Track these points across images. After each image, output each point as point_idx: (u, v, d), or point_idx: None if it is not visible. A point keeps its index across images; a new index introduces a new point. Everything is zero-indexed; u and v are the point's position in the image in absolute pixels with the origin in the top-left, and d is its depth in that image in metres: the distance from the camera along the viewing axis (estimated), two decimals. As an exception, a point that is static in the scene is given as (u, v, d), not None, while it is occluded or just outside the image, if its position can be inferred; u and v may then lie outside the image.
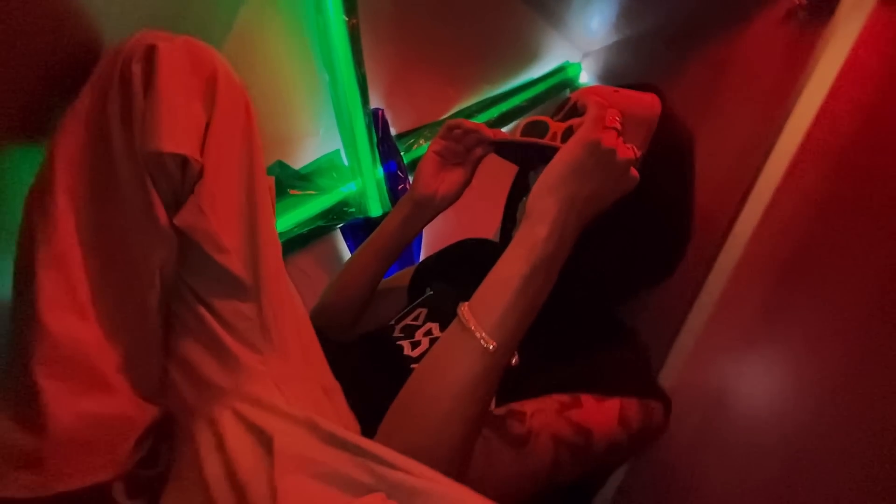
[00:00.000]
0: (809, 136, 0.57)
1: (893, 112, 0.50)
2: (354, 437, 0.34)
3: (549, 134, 0.51)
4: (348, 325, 0.67)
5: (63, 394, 0.37)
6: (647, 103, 0.53)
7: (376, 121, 1.00)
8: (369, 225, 0.99)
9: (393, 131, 1.04)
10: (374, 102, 1.01)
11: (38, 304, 0.36)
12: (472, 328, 0.38)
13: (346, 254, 1.05)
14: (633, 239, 0.51)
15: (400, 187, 1.00)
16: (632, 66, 1.06)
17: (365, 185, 0.97)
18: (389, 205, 0.99)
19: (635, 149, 0.48)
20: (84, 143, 0.39)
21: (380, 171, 0.98)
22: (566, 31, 1.18)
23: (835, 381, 0.45)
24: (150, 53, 0.40)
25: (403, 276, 0.72)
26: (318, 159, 0.99)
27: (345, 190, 0.98)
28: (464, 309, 0.40)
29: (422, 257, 1.05)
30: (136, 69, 0.40)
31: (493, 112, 1.10)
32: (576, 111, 0.52)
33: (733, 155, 0.67)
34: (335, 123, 0.99)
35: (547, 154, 0.50)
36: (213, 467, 0.37)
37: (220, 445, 0.38)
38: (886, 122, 0.50)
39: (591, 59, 1.19)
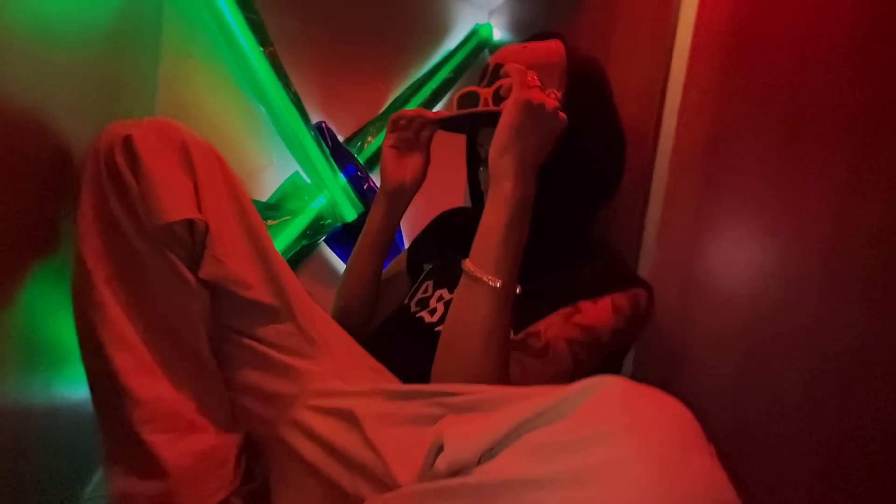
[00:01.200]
0: (696, 39, 0.66)
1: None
2: (416, 385, 0.42)
3: (482, 100, 0.59)
4: (365, 322, 0.74)
5: (168, 442, 0.44)
6: (553, 50, 0.60)
7: (322, 134, 1.05)
8: (349, 230, 1.06)
9: (340, 138, 1.10)
10: (315, 117, 1.06)
11: (121, 378, 0.43)
12: (479, 275, 0.46)
13: (337, 263, 1.11)
14: (579, 164, 0.59)
15: (365, 186, 1.07)
16: (535, 13, 1.12)
17: (333, 195, 1.03)
18: (361, 205, 1.05)
19: (555, 92, 0.56)
20: (102, 238, 0.45)
21: (342, 178, 1.04)
22: (467, -4, 1.23)
23: (760, 229, 0.55)
24: (127, 143, 0.45)
25: (399, 263, 0.79)
26: (281, 186, 1.05)
27: (315, 206, 1.04)
28: (467, 263, 0.48)
29: (405, 241, 1.13)
30: (120, 160, 0.45)
31: (425, 91, 1.16)
32: (497, 74, 0.60)
33: (640, 68, 0.75)
34: (285, 148, 1.04)
35: (485, 117, 0.58)
36: (312, 453, 0.44)
37: (311, 435, 0.45)
38: (758, 7, 0.60)
39: (497, 14, 1.25)
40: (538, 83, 0.50)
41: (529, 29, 1.11)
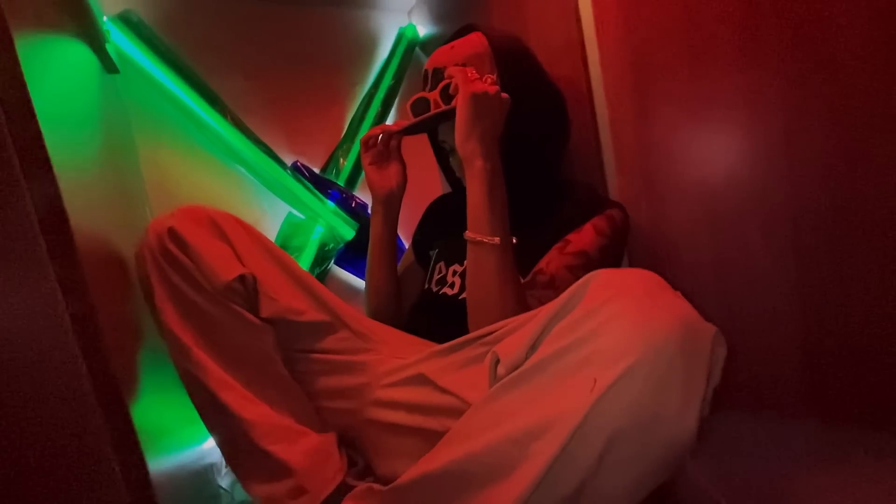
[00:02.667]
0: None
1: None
2: (462, 338, 0.53)
3: (432, 103, 0.69)
4: (397, 314, 0.84)
5: (285, 448, 0.55)
6: (477, 42, 0.70)
7: (300, 171, 1.15)
8: (351, 246, 1.16)
9: (316, 170, 1.20)
10: (288, 160, 1.16)
11: (233, 410, 0.54)
12: (480, 239, 0.57)
13: (351, 279, 1.22)
14: (532, 126, 0.69)
15: (353, 205, 1.17)
16: (449, 3, 1.21)
17: (328, 222, 1.14)
18: (355, 222, 1.15)
19: (491, 76, 0.67)
20: (179, 312, 0.55)
21: (330, 205, 1.14)
22: (381, 4, 1.31)
23: (692, 129, 0.67)
24: (172, 233, 0.56)
25: (408, 257, 0.90)
26: (280, 229, 1.15)
27: (316, 237, 1.14)
28: (468, 234, 0.59)
29: (403, 241, 1.24)
30: (172, 248, 0.56)
31: (376, 104, 1.25)
32: (438, 77, 0.70)
33: (556, 27, 0.85)
34: (273, 195, 1.14)
35: (440, 116, 0.68)
36: (400, 417, 0.56)
37: (395, 405, 0.57)
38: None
39: (416, 12, 1.34)
40: (477, 75, 0.61)
41: (448, 17, 1.22)
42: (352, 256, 1.18)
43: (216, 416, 0.56)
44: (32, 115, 0.41)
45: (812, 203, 0.56)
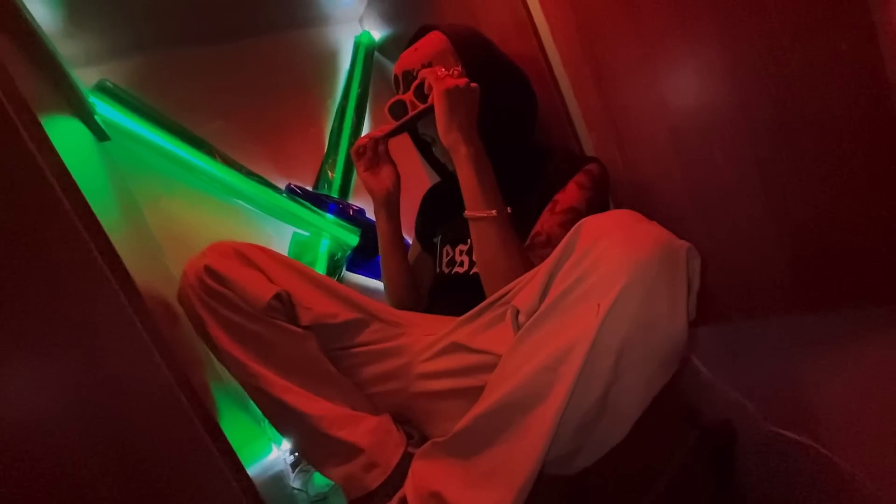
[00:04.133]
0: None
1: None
2: (482, 304, 0.60)
3: (409, 104, 0.75)
4: (416, 300, 0.91)
5: (350, 432, 0.62)
6: (437, 40, 0.76)
7: (294, 192, 1.21)
8: (358, 251, 1.23)
9: (309, 187, 1.25)
10: (281, 184, 1.21)
11: (299, 409, 0.61)
12: (479, 214, 0.64)
13: (365, 281, 1.28)
14: (502, 105, 0.74)
15: (350, 212, 1.23)
16: (397, 3, 1.25)
17: (331, 234, 1.20)
18: (356, 228, 1.21)
19: (457, 69, 0.73)
20: (231, 337, 0.61)
21: (330, 217, 1.20)
22: (331, 18, 1.35)
23: (652, 72, 0.72)
24: (208, 269, 0.62)
25: (414, 249, 0.96)
26: (289, 250, 1.21)
27: (323, 250, 1.20)
28: (467, 213, 0.65)
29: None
30: (211, 282, 0.62)
31: (350, 114, 1.30)
32: (410, 79, 0.76)
33: (503, 9, 0.90)
34: (274, 220, 1.20)
35: (419, 115, 0.74)
36: (444, 384, 0.63)
37: (437, 374, 0.64)
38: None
39: (367, 18, 1.38)
40: (446, 72, 0.67)
41: (398, 17, 1.26)
42: (361, 260, 1.25)
43: (285, 418, 0.63)
44: (73, 182, 0.47)
45: (761, 118, 0.61)
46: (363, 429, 0.63)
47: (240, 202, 1.17)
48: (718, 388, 0.83)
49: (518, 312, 0.50)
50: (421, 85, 0.73)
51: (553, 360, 0.45)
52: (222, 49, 1.21)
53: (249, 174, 1.15)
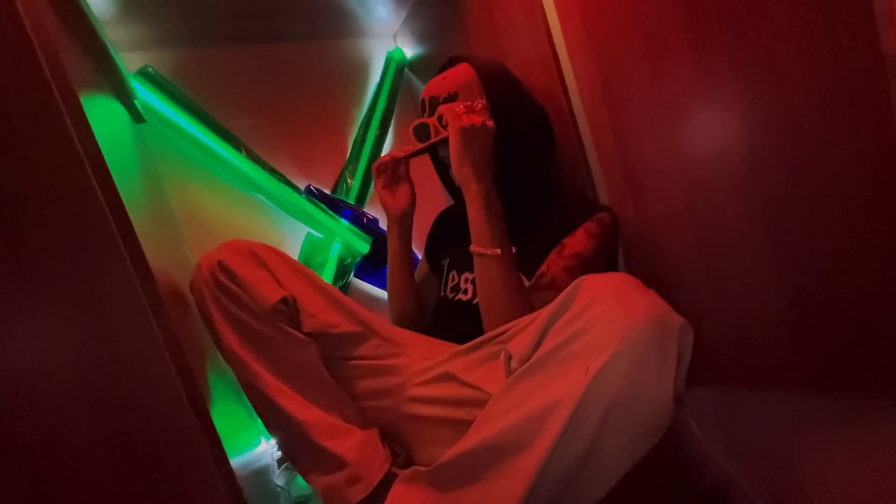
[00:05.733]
0: (560, 13, 0.82)
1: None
2: (479, 339, 0.59)
3: (432, 128, 0.75)
4: (419, 319, 0.90)
5: (338, 443, 0.61)
6: (465, 71, 0.76)
7: (313, 195, 1.21)
8: (368, 259, 1.22)
9: (327, 191, 1.25)
10: (301, 184, 1.21)
11: (292, 414, 0.60)
12: (484, 251, 0.63)
13: (371, 289, 1.28)
14: (521, 142, 0.75)
15: (364, 220, 1.23)
16: (429, 24, 1.26)
17: (344, 239, 1.19)
18: (368, 237, 1.21)
19: (481, 101, 0.73)
20: (236, 334, 0.61)
21: (344, 222, 1.20)
22: (369, 32, 1.37)
23: (669, 124, 0.72)
24: (222, 266, 0.62)
25: (422, 267, 0.96)
26: (301, 249, 1.20)
27: (334, 253, 1.20)
28: (473, 247, 0.65)
29: (416, 251, 1.30)
30: (223, 279, 0.61)
31: (374, 126, 1.31)
32: (435, 104, 0.76)
33: (529, 46, 0.90)
34: (291, 218, 1.20)
35: (438, 143, 0.74)
36: (433, 410, 0.62)
37: (428, 400, 0.63)
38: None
39: (401, 36, 1.40)
40: (464, 110, 0.67)
41: (431, 37, 1.27)
42: (369, 268, 1.24)
43: (277, 420, 0.62)
44: (103, 163, 0.47)
45: (774, 183, 0.60)
46: (351, 442, 0.63)
47: (260, 197, 1.17)
48: (711, 452, 0.81)
49: (510, 357, 0.50)
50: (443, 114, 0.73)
51: (540, 411, 0.45)
52: (261, 50, 1.23)
53: (272, 171, 1.15)
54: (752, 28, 0.58)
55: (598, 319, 0.43)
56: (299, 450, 0.62)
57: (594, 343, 0.43)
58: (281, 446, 0.64)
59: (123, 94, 0.85)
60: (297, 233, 1.21)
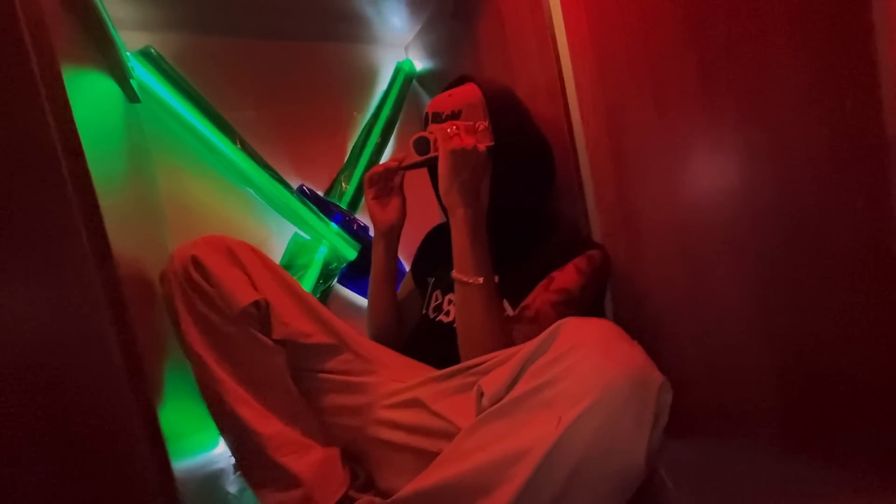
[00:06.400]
0: (571, 44, 0.81)
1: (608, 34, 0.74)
2: (454, 367, 0.56)
3: (432, 143, 0.73)
4: (397, 335, 0.87)
5: (295, 460, 0.57)
6: (471, 92, 0.74)
7: (305, 195, 1.17)
8: (354, 266, 1.19)
9: (320, 193, 1.22)
10: (294, 183, 1.18)
11: (250, 425, 0.56)
12: (465, 279, 0.61)
13: (353, 297, 1.24)
14: (520, 169, 0.73)
15: (355, 227, 1.20)
16: (441, 40, 1.25)
17: (331, 243, 1.16)
18: (357, 244, 1.18)
19: (483, 123, 0.71)
20: (202, 333, 0.58)
21: (333, 227, 1.17)
22: (381, 40, 1.36)
23: (667, 171, 0.70)
24: (195, 261, 0.58)
25: (407, 282, 0.93)
26: (287, 249, 1.17)
27: (320, 256, 1.16)
28: (455, 273, 0.62)
29: (404, 263, 1.27)
30: (195, 275, 0.58)
31: (376, 133, 1.29)
32: (437, 120, 0.74)
33: (538, 73, 0.89)
34: (280, 217, 1.16)
35: (434, 159, 0.72)
36: (399, 437, 0.58)
37: (394, 425, 0.59)
38: (608, 21, 0.74)
39: (413, 48, 1.39)
40: (457, 130, 0.64)
41: (442, 53, 1.26)
42: (354, 275, 1.21)
43: (232, 428, 0.58)
44: (77, 139, 0.43)
45: (771, 246, 0.58)
46: (308, 460, 0.59)
47: (250, 191, 1.14)
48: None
49: (482, 394, 0.47)
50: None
51: (506, 458, 0.42)
52: (270, 45, 1.20)
53: (265, 166, 1.12)
54: (759, 80, 0.57)
55: (576, 367, 0.40)
56: (252, 462, 0.58)
57: (570, 392, 0.40)
58: (234, 455, 0.60)
59: (119, 73, 0.82)
60: (284, 231, 1.17)
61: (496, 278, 0.63)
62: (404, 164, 0.77)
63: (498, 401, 0.45)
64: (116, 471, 0.46)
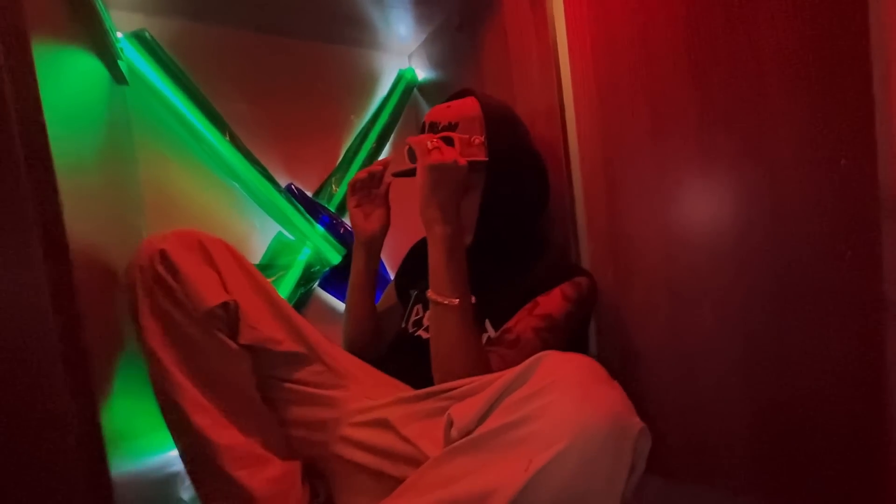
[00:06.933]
0: (573, 68, 0.80)
1: (616, 50, 0.73)
2: (427, 389, 0.53)
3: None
4: (373, 346, 0.84)
5: (250, 475, 0.53)
6: (470, 105, 0.72)
7: (293, 194, 1.14)
8: (337, 271, 1.15)
9: (309, 193, 1.19)
10: (283, 181, 1.15)
11: (205, 434, 0.52)
12: (441, 300, 0.58)
13: (334, 302, 1.20)
14: (512, 189, 0.71)
15: (341, 231, 1.16)
16: (446, 52, 1.24)
17: (316, 245, 1.12)
18: (342, 248, 1.14)
19: (479, 137, 0.69)
20: (163, 332, 0.54)
21: (319, 229, 1.13)
22: (385, 46, 1.34)
23: (659, 206, 0.69)
24: (163, 255, 0.55)
25: (389, 293, 0.90)
26: (269, 247, 1.13)
27: (303, 258, 1.13)
28: (430, 294, 0.59)
29: (389, 271, 1.24)
30: (161, 270, 0.54)
31: (371, 138, 1.26)
32: (434, 130, 0.72)
33: (538, 92, 0.87)
34: (264, 214, 1.12)
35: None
36: (363, 457, 0.55)
37: (359, 445, 0.56)
38: (614, 35, 0.74)
39: (416, 57, 1.37)
40: (437, 143, 0.60)
41: (445, 65, 1.25)
42: (336, 280, 1.17)
43: (186, 436, 0.54)
44: (40, 114, 0.40)
45: (759, 290, 0.58)
46: (266, 475, 0.55)
47: (236, 186, 1.10)
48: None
49: (452, 423, 0.44)
50: (440, 140, 0.69)
51: (470, 497, 0.39)
52: (271, 41, 1.17)
53: (254, 162, 1.08)
54: (758, 122, 0.56)
55: (552, 407, 0.37)
56: (204, 473, 0.54)
57: (543, 433, 0.37)
58: (185, 463, 0.56)
59: (106, 53, 0.78)
60: (267, 229, 1.14)
61: (473, 299, 0.60)
62: (395, 171, 0.75)
63: (468, 433, 0.42)
64: (43, 469, 0.41)
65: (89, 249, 0.51)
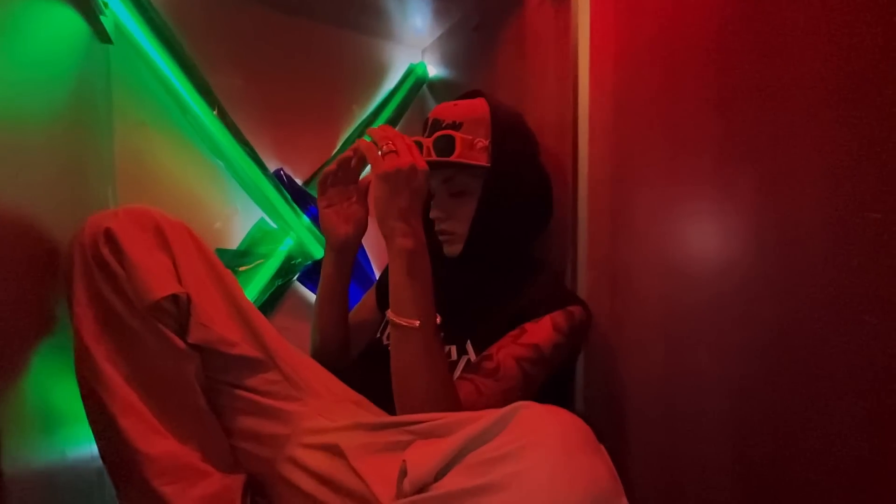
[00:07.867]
0: (592, 83, 0.75)
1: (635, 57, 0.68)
2: (388, 417, 0.47)
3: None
4: (342, 354, 0.76)
5: (180, 491, 0.47)
6: (478, 107, 0.67)
7: (281, 180, 1.08)
8: (319, 266, 1.09)
9: (299, 181, 1.13)
10: (272, 165, 1.08)
11: (132, 441, 0.46)
12: (400, 321, 0.51)
13: (313, 298, 1.14)
14: (510, 203, 0.65)
15: (327, 224, 1.10)
16: (461, 50, 1.19)
17: (299, 236, 1.06)
18: (326, 242, 1.08)
19: (483, 140, 0.63)
20: (98, 321, 0.47)
21: (305, 219, 1.07)
22: (399, 38, 1.28)
23: (666, 241, 0.64)
24: (108, 234, 0.48)
25: (368, 298, 0.83)
26: (249, 233, 1.06)
27: (284, 248, 1.06)
28: (389, 313, 0.52)
29: (376, 272, 1.18)
30: (105, 251, 0.48)
31: (372, 130, 1.20)
32: (436, 127, 0.66)
33: (552, 101, 0.82)
34: (248, 197, 1.06)
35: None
36: (308, 484, 0.49)
37: (306, 469, 0.49)
38: (635, 58, 0.68)
39: (430, 52, 1.32)
40: (392, 147, 0.52)
41: (458, 64, 1.19)
42: (317, 276, 1.10)
43: (110, 442, 0.47)
44: None
45: (760, 340, 0.54)
46: (198, 492, 0.49)
47: (221, 164, 1.04)
48: None
49: (405, 473, 0.37)
50: (441, 137, 0.64)
51: None
52: (278, 17, 1.11)
53: (242, 141, 1.02)
54: (780, 167, 0.51)
55: (525, 476, 0.31)
56: (129, 485, 0.48)
57: None
58: (108, 471, 0.49)
59: (87, 8, 0.72)
60: (249, 213, 1.07)
61: (438, 319, 0.53)
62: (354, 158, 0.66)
63: (421, 489, 0.35)
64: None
65: (18, 220, 0.45)
